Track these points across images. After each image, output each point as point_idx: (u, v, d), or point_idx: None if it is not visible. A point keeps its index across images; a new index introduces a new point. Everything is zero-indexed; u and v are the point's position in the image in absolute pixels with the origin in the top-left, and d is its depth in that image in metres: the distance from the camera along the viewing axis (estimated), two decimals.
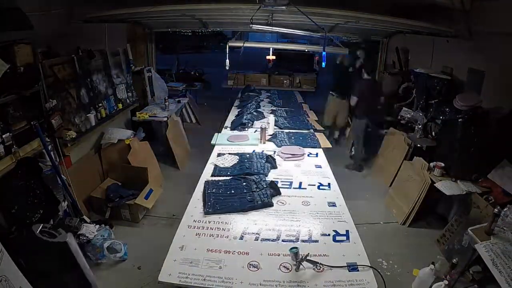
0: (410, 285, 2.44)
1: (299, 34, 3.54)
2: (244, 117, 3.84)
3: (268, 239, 1.84)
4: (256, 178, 2.42)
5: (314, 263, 1.60)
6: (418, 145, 3.67)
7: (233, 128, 3.70)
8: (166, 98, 4.87)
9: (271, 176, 2.56)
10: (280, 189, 2.33)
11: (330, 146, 3.32)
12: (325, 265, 1.62)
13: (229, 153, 2.93)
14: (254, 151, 3.01)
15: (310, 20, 2.89)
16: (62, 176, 2.74)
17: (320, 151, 3.11)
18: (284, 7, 2.80)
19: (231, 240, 1.82)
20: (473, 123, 2.94)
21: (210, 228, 1.92)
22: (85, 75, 3.49)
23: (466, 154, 2.99)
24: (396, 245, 2.98)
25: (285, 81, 6.95)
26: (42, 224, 2.05)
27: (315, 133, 3.62)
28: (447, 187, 2.94)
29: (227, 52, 3.48)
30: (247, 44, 3.35)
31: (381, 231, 3.21)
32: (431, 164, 3.22)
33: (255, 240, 1.83)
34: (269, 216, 2.06)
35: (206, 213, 2.05)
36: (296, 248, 1.64)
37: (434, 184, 3.03)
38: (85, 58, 3.48)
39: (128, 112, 4.52)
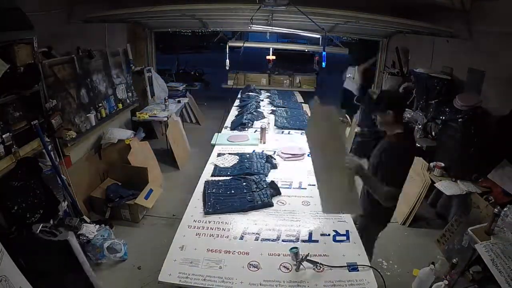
0: (410, 285, 2.44)
1: (299, 34, 3.54)
2: (244, 117, 3.84)
3: (268, 239, 1.84)
4: (256, 178, 2.42)
5: (314, 263, 1.60)
6: (418, 145, 3.67)
7: (233, 128, 3.70)
8: (166, 98, 4.88)
9: (271, 176, 2.56)
10: (280, 189, 2.32)
11: None
12: (325, 265, 1.62)
13: (229, 153, 2.93)
14: (254, 151, 3.01)
15: (310, 20, 2.89)
16: (62, 176, 2.74)
17: None
18: (284, 7, 2.80)
19: (231, 240, 1.82)
20: (473, 123, 2.94)
21: (210, 228, 1.92)
22: (85, 75, 3.49)
23: (466, 154, 2.99)
24: (396, 245, 2.98)
25: (285, 81, 6.95)
26: (42, 224, 2.05)
27: None
28: (447, 187, 2.94)
29: (227, 52, 3.48)
30: (247, 44, 3.36)
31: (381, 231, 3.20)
32: (431, 164, 3.22)
33: (255, 240, 1.83)
34: (269, 216, 2.06)
35: (206, 213, 2.05)
36: (296, 248, 1.64)
37: (434, 184, 3.03)
38: (85, 58, 3.48)
39: (128, 112, 4.52)
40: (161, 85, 5.30)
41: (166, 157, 4.41)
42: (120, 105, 4.18)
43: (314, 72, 7.70)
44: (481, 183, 2.92)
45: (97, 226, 2.78)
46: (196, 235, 1.86)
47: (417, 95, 4.19)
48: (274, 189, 2.30)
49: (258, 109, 4.41)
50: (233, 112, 4.39)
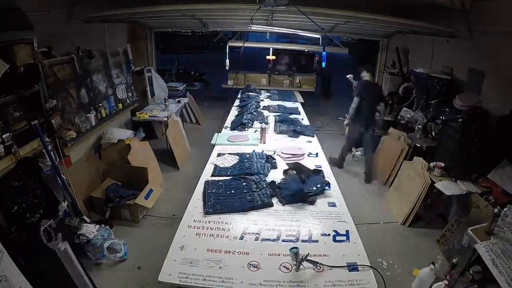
0: (410, 285, 2.44)
1: (299, 34, 3.54)
2: (244, 117, 3.84)
3: (268, 239, 1.84)
4: (256, 178, 2.42)
5: (314, 263, 1.60)
6: (418, 145, 3.68)
7: (233, 128, 3.70)
8: (166, 98, 4.88)
9: (271, 176, 2.56)
10: None
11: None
12: (325, 265, 1.62)
13: (229, 153, 2.93)
14: (254, 151, 3.01)
15: (310, 20, 2.89)
16: (62, 176, 2.73)
17: (320, 151, 3.11)
18: (284, 7, 2.81)
19: (231, 240, 1.82)
20: (473, 123, 2.94)
21: (210, 228, 1.92)
22: (85, 75, 3.49)
23: (466, 154, 2.99)
24: (396, 245, 2.98)
25: (285, 81, 6.96)
26: (50, 221, 2.01)
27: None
28: (447, 187, 2.94)
29: (227, 52, 3.49)
30: (247, 44, 3.36)
31: (381, 231, 3.20)
32: (431, 164, 3.22)
33: (255, 240, 1.83)
34: (269, 216, 2.06)
35: (206, 213, 2.05)
36: (296, 248, 1.64)
37: (434, 184, 3.03)
38: (85, 58, 3.48)
39: (128, 112, 4.52)
40: (161, 85, 5.31)
41: (166, 157, 4.41)
42: (120, 105, 4.18)
43: (315, 72, 7.71)
44: (481, 183, 2.92)
45: (97, 226, 2.78)
46: (196, 235, 1.86)
47: (417, 95, 4.19)
48: (274, 189, 2.30)
49: (258, 109, 4.41)
50: (233, 112, 4.40)
